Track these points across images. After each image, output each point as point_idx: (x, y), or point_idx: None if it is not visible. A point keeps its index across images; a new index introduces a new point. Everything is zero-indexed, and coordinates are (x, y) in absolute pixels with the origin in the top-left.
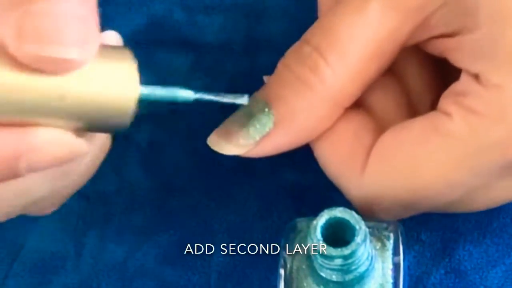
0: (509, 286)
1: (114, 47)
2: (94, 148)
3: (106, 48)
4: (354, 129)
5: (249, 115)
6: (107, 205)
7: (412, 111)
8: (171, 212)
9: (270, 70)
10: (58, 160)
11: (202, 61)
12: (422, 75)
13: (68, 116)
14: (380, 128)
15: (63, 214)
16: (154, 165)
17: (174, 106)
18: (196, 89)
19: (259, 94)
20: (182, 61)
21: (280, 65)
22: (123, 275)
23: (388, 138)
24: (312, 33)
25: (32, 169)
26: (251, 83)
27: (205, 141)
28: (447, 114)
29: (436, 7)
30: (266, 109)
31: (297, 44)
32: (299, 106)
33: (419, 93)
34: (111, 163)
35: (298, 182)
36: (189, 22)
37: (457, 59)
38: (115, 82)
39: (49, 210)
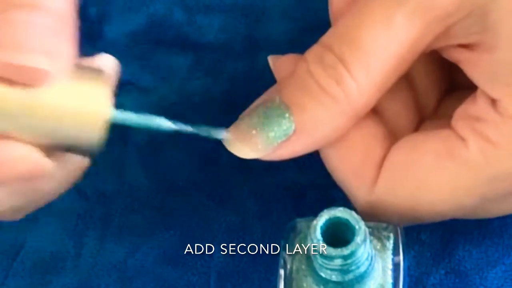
0: (509, 286)
1: (93, 69)
2: (66, 166)
3: (83, 69)
4: (366, 138)
5: (267, 117)
6: (106, 205)
7: (418, 110)
8: (171, 212)
9: (270, 70)
10: (22, 177)
11: (202, 61)
12: (429, 74)
13: (36, 132)
14: (391, 133)
15: (62, 214)
16: (154, 165)
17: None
18: (174, 117)
19: (277, 95)
20: (182, 61)
21: (301, 70)
22: (123, 275)
23: (401, 154)
24: (336, 40)
25: None
26: (251, 83)
27: (204, 140)
28: (462, 139)
29: (460, 17)
30: (287, 114)
31: (318, 49)
32: (321, 117)
33: (426, 92)
34: (110, 163)
35: (297, 182)
36: (189, 22)
37: (474, 76)
38: (86, 103)
39: (15, 218)
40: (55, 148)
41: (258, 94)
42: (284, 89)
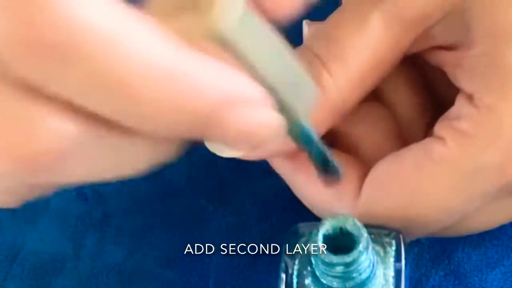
0: (508, 287)
1: None
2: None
3: None
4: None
5: None
6: (106, 207)
7: (405, 140)
8: (170, 213)
9: None
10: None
11: None
12: (413, 103)
13: None
14: (368, 164)
15: (61, 215)
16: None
17: None
18: None
19: None
20: None
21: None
22: (122, 276)
23: (383, 167)
24: (315, 39)
25: (232, 134)
26: None
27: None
28: (440, 138)
29: (438, 19)
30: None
31: (299, 48)
32: None
33: (411, 121)
34: None
35: None
36: None
37: (455, 76)
38: None
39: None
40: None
41: None
42: None
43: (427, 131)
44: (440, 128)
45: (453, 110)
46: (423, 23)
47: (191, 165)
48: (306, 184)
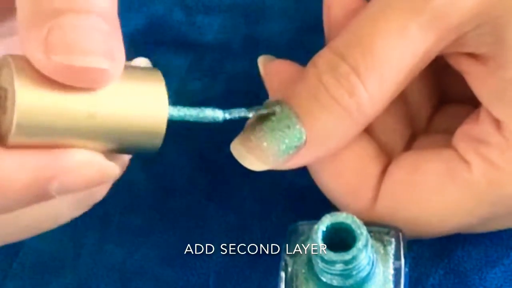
0: (508, 286)
1: (142, 68)
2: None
3: (134, 68)
4: (360, 157)
5: (276, 128)
6: (106, 206)
7: (410, 126)
8: (170, 212)
9: None
10: (89, 183)
11: (201, 61)
12: (421, 89)
13: (98, 136)
14: (382, 150)
15: None
16: (153, 165)
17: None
18: (219, 104)
19: (286, 103)
20: (182, 62)
21: (312, 79)
22: (122, 275)
23: (402, 174)
24: (349, 48)
25: (64, 192)
26: (250, 83)
27: (204, 141)
28: (465, 161)
29: (474, 27)
30: (298, 125)
31: (330, 56)
32: (333, 128)
33: (418, 107)
34: None
35: (297, 183)
36: (188, 23)
37: (479, 91)
38: (145, 101)
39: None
40: (115, 151)
41: (257, 94)
42: (294, 98)
43: (432, 114)
44: (464, 149)
45: (478, 130)
46: (458, 31)
47: (191, 164)
48: (327, 177)
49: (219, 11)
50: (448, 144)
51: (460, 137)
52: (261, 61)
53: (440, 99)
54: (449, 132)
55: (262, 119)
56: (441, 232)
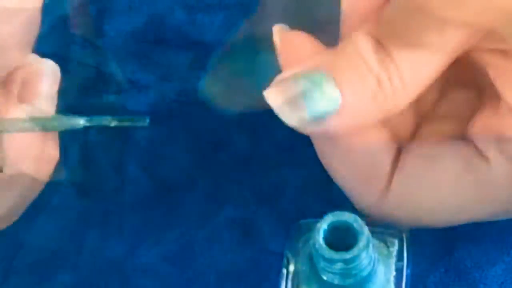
0: (509, 284)
1: None
2: (13, 194)
3: None
4: (372, 146)
5: (315, 86)
6: (107, 203)
7: (416, 110)
8: (171, 210)
9: (269, 67)
10: None
11: (202, 59)
12: None
13: None
14: (393, 138)
15: (62, 212)
16: (154, 163)
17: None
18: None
19: (322, 70)
20: (182, 60)
21: (353, 51)
22: (122, 273)
23: (417, 167)
24: (390, 38)
25: None
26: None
27: (204, 138)
28: (485, 158)
29: (506, 24)
30: (337, 91)
31: (369, 38)
32: (368, 105)
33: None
34: (110, 161)
35: (298, 179)
36: (189, 21)
37: (502, 85)
38: None
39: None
40: None
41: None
42: (334, 67)
43: (438, 99)
44: (484, 144)
45: (498, 125)
46: (492, 27)
47: (192, 162)
48: (339, 165)
49: (219, 9)
50: (456, 131)
51: (478, 129)
52: (277, 30)
53: (445, 83)
54: (455, 117)
55: (300, 78)
56: (450, 224)
